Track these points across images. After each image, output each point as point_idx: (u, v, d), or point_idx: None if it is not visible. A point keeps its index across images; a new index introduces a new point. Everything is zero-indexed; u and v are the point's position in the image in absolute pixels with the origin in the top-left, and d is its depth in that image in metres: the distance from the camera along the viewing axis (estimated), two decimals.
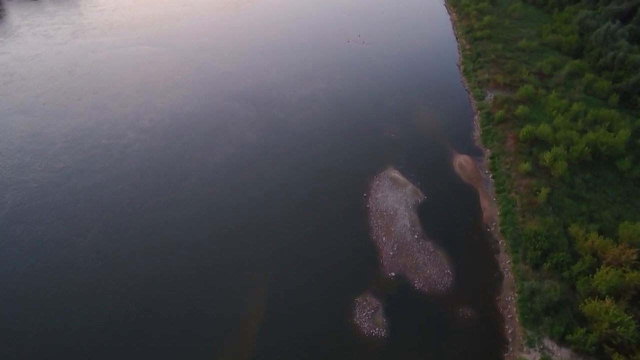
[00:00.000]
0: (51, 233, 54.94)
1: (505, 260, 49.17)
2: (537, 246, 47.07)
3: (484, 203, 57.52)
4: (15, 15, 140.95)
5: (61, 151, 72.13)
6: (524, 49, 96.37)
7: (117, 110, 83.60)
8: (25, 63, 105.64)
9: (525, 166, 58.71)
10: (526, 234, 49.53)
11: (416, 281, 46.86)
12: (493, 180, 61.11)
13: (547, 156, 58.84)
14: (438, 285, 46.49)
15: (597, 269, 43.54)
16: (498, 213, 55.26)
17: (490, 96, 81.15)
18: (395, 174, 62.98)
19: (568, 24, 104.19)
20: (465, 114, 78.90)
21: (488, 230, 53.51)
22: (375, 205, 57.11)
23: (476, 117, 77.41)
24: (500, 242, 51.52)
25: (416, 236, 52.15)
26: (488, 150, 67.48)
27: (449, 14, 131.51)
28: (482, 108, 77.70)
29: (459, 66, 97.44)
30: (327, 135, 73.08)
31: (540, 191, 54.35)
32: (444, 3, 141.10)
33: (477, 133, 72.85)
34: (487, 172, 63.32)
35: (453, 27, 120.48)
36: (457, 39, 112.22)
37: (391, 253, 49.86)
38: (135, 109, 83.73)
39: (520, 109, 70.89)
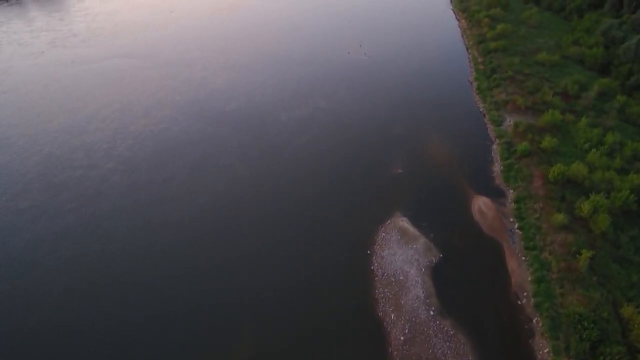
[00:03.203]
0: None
1: (542, 348, 39.96)
2: (584, 336, 37.93)
3: (511, 263, 48.30)
4: None
5: (29, 185, 63.71)
6: (543, 63, 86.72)
7: (93, 135, 74.89)
8: None
9: (560, 218, 49.39)
10: (568, 315, 40.36)
11: None
12: (520, 232, 51.79)
13: (585, 207, 49.55)
14: None
15: None
16: (529, 279, 46.01)
17: (509, 121, 71.74)
18: (404, 222, 53.76)
19: (591, 35, 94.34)
20: (481, 142, 69.40)
21: (518, 303, 44.30)
22: (381, 266, 47.92)
23: (494, 146, 67.98)
24: (534, 321, 42.30)
25: (432, 312, 42.97)
26: (511, 192, 58.13)
27: (458, 20, 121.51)
28: (501, 136, 68.26)
29: (471, 82, 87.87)
30: (326, 171, 63.91)
31: (580, 254, 45.12)
32: (451, 8, 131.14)
33: (497, 168, 63.46)
34: (511, 220, 54.02)
35: (462, 36, 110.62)
36: (467, 49, 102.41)
37: (402, 338, 40.69)
38: (113, 133, 74.97)
39: (547, 141, 61.48)
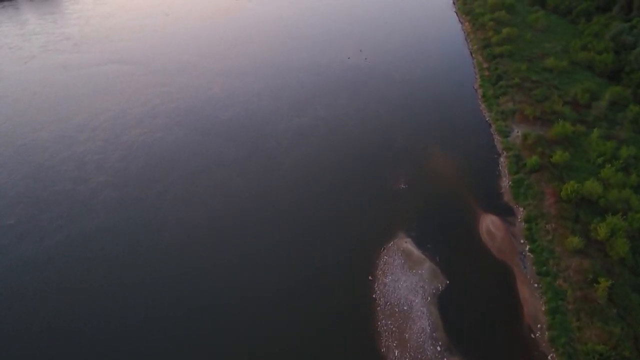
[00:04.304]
0: None
1: None
2: None
3: (523, 291, 45.09)
4: None
5: (17, 199, 60.69)
6: (551, 69, 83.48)
7: (84, 145, 71.86)
8: None
9: (575, 241, 46.14)
10: (587, 353, 37.23)
11: None
12: (531, 256, 48.58)
13: (601, 230, 46.35)
14: None
15: None
16: (543, 309, 42.83)
17: (517, 132, 68.52)
18: (408, 244, 50.58)
19: (600, 39, 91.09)
20: (488, 155, 66.19)
21: (532, 336, 41.11)
22: (383, 294, 44.73)
23: (502, 159, 64.78)
24: (549, 358, 39.10)
25: (439, 348, 39.79)
26: (521, 210, 54.89)
27: (461, 23, 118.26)
28: (509, 149, 65.05)
29: (476, 90, 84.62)
30: (326, 185, 60.85)
31: (597, 282, 41.94)
32: (454, 10, 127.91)
33: (505, 183, 60.25)
34: (522, 241, 50.79)
35: (466, 39, 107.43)
36: (471, 54, 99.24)
37: None
38: (105, 144, 71.88)
39: (559, 156, 58.22)
